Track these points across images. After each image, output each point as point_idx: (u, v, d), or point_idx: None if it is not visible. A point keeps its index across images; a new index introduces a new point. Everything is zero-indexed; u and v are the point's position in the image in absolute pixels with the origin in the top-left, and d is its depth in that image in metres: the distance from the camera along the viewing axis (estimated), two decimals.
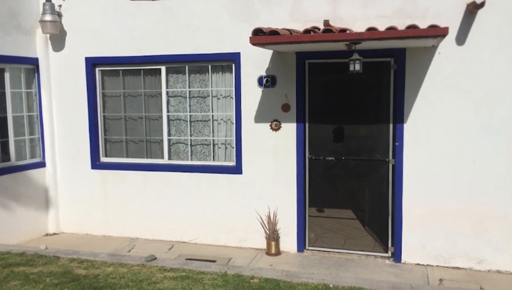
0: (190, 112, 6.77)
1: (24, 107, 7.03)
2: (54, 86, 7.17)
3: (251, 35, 5.21)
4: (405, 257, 5.89)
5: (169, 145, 6.91)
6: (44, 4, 6.80)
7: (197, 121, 6.79)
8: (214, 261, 5.96)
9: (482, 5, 5.19)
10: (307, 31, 5.19)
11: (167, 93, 6.82)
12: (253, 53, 6.10)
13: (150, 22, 6.63)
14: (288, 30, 5.39)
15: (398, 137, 5.79)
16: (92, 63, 6.98)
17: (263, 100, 6.27)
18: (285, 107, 6.16)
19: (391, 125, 5.89)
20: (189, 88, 6.73)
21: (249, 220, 6.44)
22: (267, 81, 6.21)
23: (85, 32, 6.93)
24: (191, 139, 6.83)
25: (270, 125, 6.27)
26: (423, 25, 5.06)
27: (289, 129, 6.19)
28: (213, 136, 6.73)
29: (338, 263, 5.94)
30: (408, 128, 5.74)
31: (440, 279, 5.40)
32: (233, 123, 6.55)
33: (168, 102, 6.84)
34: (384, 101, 5.93)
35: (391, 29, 4.94)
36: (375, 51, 5.71)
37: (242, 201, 6.49)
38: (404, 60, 5.68)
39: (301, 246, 6.32)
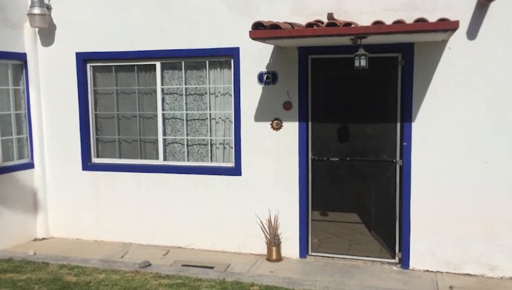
0: (186, 110, 6.76)
1: (12, 105, 7.02)
2: (43, 83, 7.17)
3: (250, 29, 5.20)
4: (414, 263, 5.89)
5: (165, 145, 6.91)
6: None
7: (194, 119, 6.79)
8: (211, 268, 5.96)
9: None
10: (309, 25, 5.18)
11: (162, 90, 6.82)
12: (253, 48, 6.10)
13: (144, 16, 6.62)
14: (289, 23, 5.39)
15: (406, 136, 5.79)
16: (83, 59, 6.97)
17: (264, 98, 6.27)
18: (287, 105, 6.16)
19: (398, 124, 5.88)
20: (186, 85, 6.73)
21: (248, 224, 6.43)
22: (268, 78, 6.21)
23: (76, 26, 6.93)
24: (187, 139, 6.82)
25: (271, 124, 6.26)
26: (432, 18, 5.05)
27: (291, 128, 6.18)
28: (210, 136, 6.72)
29: (343, 269, 5.93)
30: (417, 127, 5.74)
31: (450, 287, 5.39)
32: (231, 122, 6.55)
33: (163, 99, 6.84)
34: (391, 98, 5.93)
35: (398, 22, 4.94)
36: (381, 46, 5.71)
37: (242, 204, 6.48)
38: (412, 56, 5.67)
39: (303, 252, 6.31)
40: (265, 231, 6.32)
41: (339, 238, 6.78)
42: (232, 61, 6.39)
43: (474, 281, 5.57)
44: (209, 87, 6.65)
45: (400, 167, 5.90)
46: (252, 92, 6.29)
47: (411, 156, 5.79)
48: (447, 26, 4.71)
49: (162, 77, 6.80)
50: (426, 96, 5.67)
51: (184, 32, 6.48)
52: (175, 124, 6.87)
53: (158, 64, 6.75)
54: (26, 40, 7.03)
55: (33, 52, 7.05)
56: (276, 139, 6.26)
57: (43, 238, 7.30)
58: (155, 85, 6.82)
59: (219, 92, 6.65)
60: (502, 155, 5.51)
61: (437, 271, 5.81)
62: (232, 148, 6.59)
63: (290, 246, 6.31)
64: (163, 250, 6.70)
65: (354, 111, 6.47)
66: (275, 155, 6.28)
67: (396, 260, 6.04)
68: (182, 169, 6.74)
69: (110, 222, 7.08)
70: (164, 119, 6.87)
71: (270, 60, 6.19)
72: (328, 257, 6.28)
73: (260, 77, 6.24)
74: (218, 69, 6.60)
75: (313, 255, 6.34)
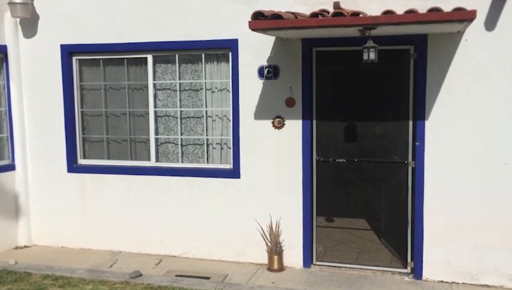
0: (180, 107, 6.76)
1: None
2: (25, 77, 7.16)
3: (250, 19, 5.20)
4: (427, 273, 5.89)
5: (157, 145, 6.91)
6: None
7: (188, 117, 6.79)
8: (208, 278, 5.97)
9: None
10: (314, 15, 5.18)
11: (155, 85, 6.82)
12: (252, 40, 6.10)
13: (134, 5, 6.62)
14: (292, 13, 5.39)
15: (419, 136, 5.78)
16: (68, 52, 6.97)
17: (264, 94, 6.27)
18: (290, 102, 6.16)
19: (410, 123, 5.89)
20: (180, 80, 6.73)
21: (248, 231, 6.43)
22: (269, 72, 6.21)
23: (61, 16, 6.92)
24: (181, 138, 6.82)
25: (272, 122, 6.26)
26: (447, 7, 5.04)
27: (294, 127, 6.18)
28: (207, 135, 6.72)
29: (350, 280, 5.93)
30: (430, 126, 5.74)
31: None
32: (230, 120, 6.55)
33: (155, 96, 6.84)
34: (403, 94, 5.93)
35: (411, 12, 4.94)
36: (392, 38, 5.70)
37: (240, 210, 6.48)
38: (425, 48, 5.67)
39: (307, 261, 6.31)
40: (266, 239, 6.32)
41: (346, 246, 6.78)
42: (230, 54, 6.39)
43: None
44: (205, 82, 6.65)
45: (413, 169, 5.90)
46: (251, 88, 6.29)
47: (424, 157, 5.78)
48: (463, 16, 4.71)
49: (154, 72, 6.80)
50: (440, 92, 5.67)
51: (178, 22, 6.47)
52: (168, 123, 6.86)
53: (149, 57, 6.75)
54: (7, 31, 7.02)
55: (14, 44, 7.04)
56: (278, 139, 6.26)
57: (25, 246, 7.29)
58: (147, 80, 6.82)
59: (216, 88, 6.65)
60: None
61: (452, 282, 5.81)
62: (230, 148, 6.59)
63: (293, 255, 6.31)
64: (155, 259, 6.70)
65: (362, 108, 6.47)
66: (276, 156, 6.28)
67: (408, 270, 6.04)
68: (175, 171, 6.73)
69: (97, 228, 7.08)
70: (156, 117, 6.86)
71: (271, 53, 6.19)
72: (334, 266, 6.28)
73: (261, 71, 6.24)
74: (215, 62, 6.60)
75: (318, 265, 6.34)
